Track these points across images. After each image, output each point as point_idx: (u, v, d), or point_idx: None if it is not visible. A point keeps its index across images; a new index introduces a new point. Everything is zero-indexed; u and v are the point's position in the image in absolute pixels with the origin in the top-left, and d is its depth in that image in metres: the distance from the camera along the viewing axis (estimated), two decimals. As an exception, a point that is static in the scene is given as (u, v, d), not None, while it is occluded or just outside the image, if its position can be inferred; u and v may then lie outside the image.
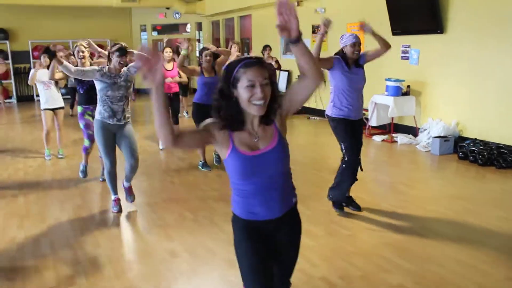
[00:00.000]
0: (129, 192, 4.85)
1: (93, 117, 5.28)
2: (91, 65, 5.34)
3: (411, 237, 3.97)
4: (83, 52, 5.40)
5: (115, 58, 4.32)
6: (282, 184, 2.03)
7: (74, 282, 3.32)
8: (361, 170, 4.50)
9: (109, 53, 4.44)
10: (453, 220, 4.33)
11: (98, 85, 4.40)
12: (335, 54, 4.35)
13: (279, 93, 1.95)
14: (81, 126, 5.54)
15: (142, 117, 11.11)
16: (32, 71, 6.68)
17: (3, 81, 13.59)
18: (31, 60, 14.21)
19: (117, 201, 4.72)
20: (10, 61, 14.37)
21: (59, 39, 13.98)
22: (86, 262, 3.63)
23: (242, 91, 1.84)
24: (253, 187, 1.96)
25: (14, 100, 14.40)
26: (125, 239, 4.15)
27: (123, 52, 4.32)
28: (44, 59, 6.54)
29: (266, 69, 1.87)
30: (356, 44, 4.23)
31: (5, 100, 13.57)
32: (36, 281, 3.35)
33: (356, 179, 4.50)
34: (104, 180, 5.74)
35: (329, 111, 4.42)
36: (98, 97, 4.45)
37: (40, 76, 6.55)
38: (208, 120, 1.94)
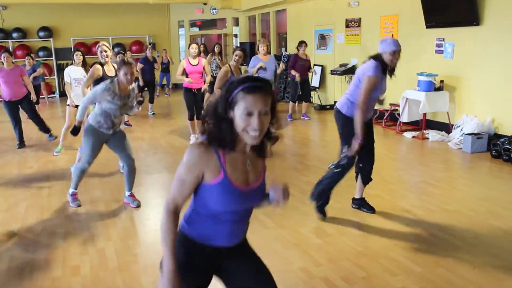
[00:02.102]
0: (133, 198, 4.77)
1: None
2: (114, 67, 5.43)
3: (425, 239, 3.80)
4: (106, 51, 5.49)
5: (122, 76, 4.26)
6: (249, 216, 1.96)
7: (78, 273, 3.39)
8: (371, 179, 4.33)
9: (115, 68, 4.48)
10: (474, 223, 4.10)
11: (106, 104, 4.33)
12: (372, 57, 3.98)
13: (280, 99, 1.83)
14: None
15: (176, 112, 11.25)
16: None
17: (47, 77, 14.12)
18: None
19: (75, 195, 4.78)
20: (53, 57, 14.94)
21: (99, 36, 14.43)
22: (94, 254, 3.70)
23: (238, 116, 1.66)
24: (227, 217, 1.82)
25: (56, 95, 14.95)
26: (136, 233, 4.19)
27: (128, 64, 4.25)
28: (78, 57, 6.71)
29: (269, 96, 1.68)
30: (397, 52, 3.88)
31: (48, 96, 14.09)
32: (43, 270, 3.45)
33: (371, 179, 4.34)
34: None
35: (343, 108, 4.17)
36: (101, 107, 4.38)
37: (73, 74, 6.71)
38: (191, 160, 1.73)
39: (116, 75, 4.44)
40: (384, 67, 3.95)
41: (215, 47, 10.33)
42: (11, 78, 7.40)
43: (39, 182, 5.70)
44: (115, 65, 5.92)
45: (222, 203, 1.76)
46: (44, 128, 7.89)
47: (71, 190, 4.78)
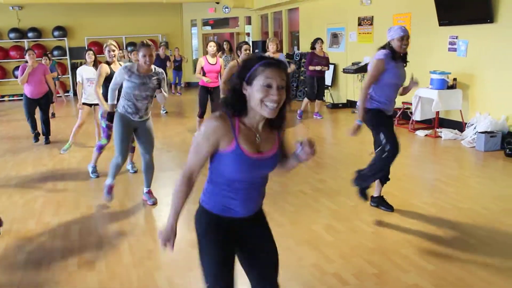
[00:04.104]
0: (150, 195, 4.81)
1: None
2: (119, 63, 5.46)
3: (437, 236, 3.79)
4: (113, 50, 5.54)
5: (141, 58, 4.26)
6: (265, 182, 2.06)
7: (93, 267, 3.45)
8: (388, 179, 4.32)
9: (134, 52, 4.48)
10: (488, 221, 4.09)
11: (125, 83, 4.38)
12: (381, 47, 4.07)
13: (292, 98, 1.91)
14: (103, 124, 5.68)
15: (189, 110, 11.32)
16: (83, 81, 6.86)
17: (61, 76, 14.30)
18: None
19: (111, 187, 4.70)
20: (68, 57, 15.11)
21: (113, 35, 14.55)
22: (109, 249, 3.77)
23: (256, 90, 1.77)
24: (241, 185, 1.95)
25: (70, 94, 15.12)
26: (150, 229, 4.25)
27: (147, 46, 4.24)
28: (89, 56, 6.79)
29: (285, 73, 1.82)
30: (405, 37, 3.92)
31: (58, 95, 14.22)
32: (60, 264, 3.52)
33: (389, 179, 4.34)
34: (135, 172, 5.93)
35: (368, 103, 4.13)
36: (122, 92, 4.44)
37: (86, 73, 6.79)
38: (209, 130, 1.85)
39: None
40: (394, 54, 3.99)
41: (224, 45, 10.33)
42: (35, 76, 7.53)
43: (54, 179, 5.79)
44: (122, 63, 5.99)
45: (235, 169, 1.89)
46: (48, 130, 7.94)
47: (107, 181, 4.69)
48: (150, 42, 4.34)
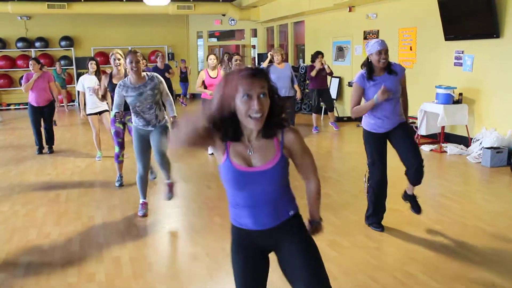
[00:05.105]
0: (169, 189, 4.84)
1: (123, 124, 5.48)
2: (125, 71, 5.47)
3: (443, 254, 3.72)
4: (119, 59, 5.56)
5: (128, 65, 4.29)
6: (276, 197, 1.99)
7: (93, 279, 3.41)
8: (419, 183, 4.18)
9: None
10: (495, 239, 4.02)
11: (126, 100, 4.40)
12: (362, 64, 4.02)
13: (282, 106, 1.89)
14: (112, 133, 5.69)
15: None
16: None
17: (68, 86, 14.39)
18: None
19: (144, 205, 4.76)
20: (74, 66, 15.20)
21: (119, 46, 14.56)
22: (109, 261, 3.72)
23: (239, 104, 1.79)
24: (243, 199, 1.96)
25: (76, 103, 15.16)
26: (151, 241, 4.21)
27: (133, 52, 4.31)
28: (92, 66, 6.82)
29: (265, 81, 1.83)
30: (382, 51, 3.82)
31: (68, 104, 14.33)
32: (59, 276, 3.48)
33: (419, 182, 4.17)
34: (155, 178, 5.96)
35: (363, 123, 4.16)
36: (130, 109, 4.48)
37: (87, 82, 6.82)
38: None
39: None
40: (373, 70, 3.94)
41: (225, 57, 10.30)
42: (40, 84, 7.57)
43: (57, 189, 5.77)
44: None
45: (227, 181, 1.95)
46: (51, 139, 7.94)
47: (140, 200, 4.79)
48: (136, 50, 4.42)
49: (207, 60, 7.45)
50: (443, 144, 7.44)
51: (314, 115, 9.57)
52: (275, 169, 1.92)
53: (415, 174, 4.08)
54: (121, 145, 5.65)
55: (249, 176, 1.90)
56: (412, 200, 4.32)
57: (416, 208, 4.31)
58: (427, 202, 5.15)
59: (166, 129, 4.60)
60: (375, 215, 4.23)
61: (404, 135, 4.05)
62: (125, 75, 5.14)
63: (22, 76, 13.42)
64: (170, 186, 4.85)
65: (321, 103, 9.44)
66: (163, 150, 4.60)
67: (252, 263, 2.03)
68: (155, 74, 4.52)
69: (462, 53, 7.53)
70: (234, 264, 2.05)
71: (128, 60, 4.29)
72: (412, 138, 4.15)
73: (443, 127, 7.48)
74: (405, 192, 4.35)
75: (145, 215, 4.72)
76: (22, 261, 3.74)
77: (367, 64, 3.95)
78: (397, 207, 4.61)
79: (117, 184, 5.82)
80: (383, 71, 3.96)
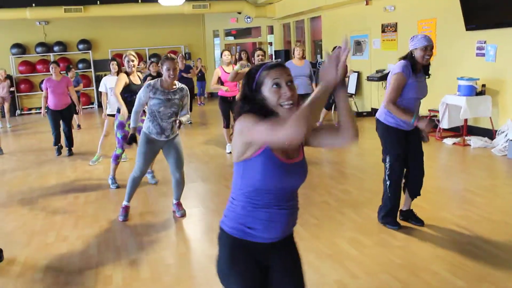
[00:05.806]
0: (179, 207, 4.73)
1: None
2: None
3: (469, 251, 3.59)
4: (133, 61, 5.52)
5: (165, 72, 4.20)
6: (293, 204, 1.91)
7: (111, 282, 3.38)
8: (419, 194, 4.12)
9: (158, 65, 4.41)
10: (523, 234, 3.86)
11: (150, 102, 4.29)
12: (402, 57, 3.87)
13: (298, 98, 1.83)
14: (118, 135, 5.66)
15: (210, 121, 11.28)
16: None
17: (87, 88, 14.52)
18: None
19: (126, 208, 4.67)
20: (92, 69, 15.33)
21: (136, 47, 14.70)
22: (126, 264, 3.69)
23: (268, 95, 1.76)
24: (269, 198, 1.81)
25: (95, 105, 15.31)
26: (169, 243, 4.16)
27: (171, 59, 4.19)
28: (113, 67, 6.81)
29: (289, 71, 1.82)
30: (428, 47, 3.70)
31: (84, 107, 14.39)
32: (77, 279, 3.47)
33: (419, 194, 4.14)
34: (156, 183, 5.88)
35: (381, 117, 4.00)
36: (148, 111, 4.37)
37: (109, 83, 6.81)
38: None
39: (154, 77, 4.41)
40: (415, 66, 3.78)
41: (242, 54, 10.25)
42: (59, 89, 7.65)
43: (76, 191, 5.78)
44: (140, 75, 5.96)
45: (265, 177, 1.77)
46: (71, 142, 8.00)
47: (123, 203, 4.69)
48: (174, 56, 4.29)
49: (221, 57, 7.42)
50: (466, 137, 7.24)
51: (324, 110, 9.48)
52: (304, 161, 1.90)
53: (419, 183, 4.07)
54: (124, 149, 5.64)
55: (289, 168, 1.81)
56: (412, 216, 4.19)
57: (419, 220, 4.16)
58: (452, 198, 5.01)
59: (179, 144, 4.53)
60: (393, 212, 4.10)
61: (419, 143, 4.02)
62: (143, 79, 5.07)
63: (42, 81, 13.65)
64: (179, 204, 4.76)
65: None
66: (181, 171, 4.55)
67: (259, 275, 1.88)
68: (185, 86, 4.44)
69: (484, 43, 7.30)
70: (235, 276, 1.86)
71: (165, 67, 4.17)
72: (421, 147, 4.09)
73: (466, 120, 7.27)
74: (401, 211, 4.21)
75: (125, 220, 4.63)
76: (41, 265, 3.74)
77: (410, 59, 3.78)
78: (420, 203, 4.47)
79: (113, 187, 5.78)
80: (421, 69, 3.84)
